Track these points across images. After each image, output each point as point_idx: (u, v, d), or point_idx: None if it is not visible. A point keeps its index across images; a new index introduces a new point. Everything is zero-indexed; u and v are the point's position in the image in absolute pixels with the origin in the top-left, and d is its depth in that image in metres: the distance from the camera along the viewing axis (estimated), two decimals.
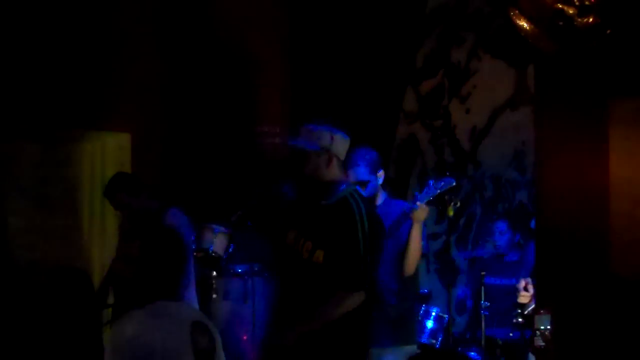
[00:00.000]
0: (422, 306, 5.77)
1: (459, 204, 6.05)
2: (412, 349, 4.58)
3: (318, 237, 3.84)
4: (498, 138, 7.01)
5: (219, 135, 6.74)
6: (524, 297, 5.36)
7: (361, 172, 4.62)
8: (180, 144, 6.54)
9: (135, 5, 6.53)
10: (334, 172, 3.93)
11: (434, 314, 5.70)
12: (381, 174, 4.76)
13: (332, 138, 3.92)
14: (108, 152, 6.45)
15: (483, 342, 5.58)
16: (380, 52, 7.09)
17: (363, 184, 4.60)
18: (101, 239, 6.35)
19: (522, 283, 5.36)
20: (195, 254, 5.79)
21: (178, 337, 3.11)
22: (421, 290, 6.55)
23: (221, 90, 6.85)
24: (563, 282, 4.07)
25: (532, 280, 5.36)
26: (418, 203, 4.63)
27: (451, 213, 5.83)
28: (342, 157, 3.98)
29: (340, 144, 3.94)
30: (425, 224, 4.81)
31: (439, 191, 4.77)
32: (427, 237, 5.20)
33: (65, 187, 6.33)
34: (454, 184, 4.84)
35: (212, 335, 3.26)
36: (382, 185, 4.77)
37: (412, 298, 4.82)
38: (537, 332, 3.22)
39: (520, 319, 5.38)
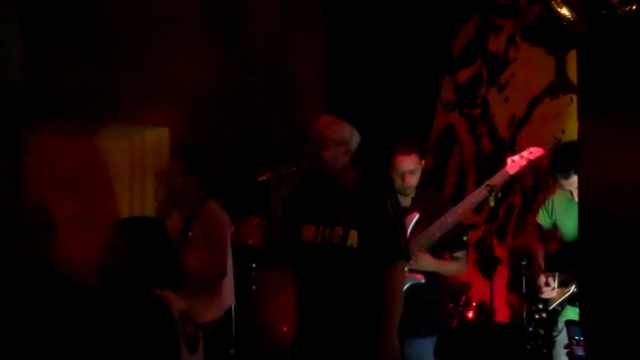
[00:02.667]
0: (462, 296, 5.83)
1: (499, 194, 6.02)
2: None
3: (348, 220, 3.91)
4: (537, 127, 6.94)
5: (255, 129, 6.77)
6: (547, 292, 5.26)
7: (414, 160, 4.76)
8: (218, 138, 6.57)
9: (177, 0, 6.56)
10: (347, 164, 4.05)
11: (474, 304, 5.74)
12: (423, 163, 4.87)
13: (351, 132, 4.05)
14: (147, 147, 6.53)
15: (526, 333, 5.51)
16: (417, 41, 7.09)
17: (413, 172, 4.75)
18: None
19: (543, 278, 5.26)
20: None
21: (169, 326, 3.26)
22: (461, 281, 6.55)
23: (258, 84, 6.87)
24: (605, 278, 3.99)
25: (554, 275, 5.29)
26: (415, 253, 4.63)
27: (492, 203, 5.79)
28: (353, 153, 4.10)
29: (356, 140, 4.06)
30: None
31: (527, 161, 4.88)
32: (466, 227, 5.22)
33: (106, 181, 6.39)
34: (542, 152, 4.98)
35: (196, 323, 3.41)
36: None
37: (443, 289, 4.88)
38: (575, 341, 3.16)
39: (544, 315, 5.29)
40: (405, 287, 4.53)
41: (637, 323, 3.81)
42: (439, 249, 4.82)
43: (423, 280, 4.68)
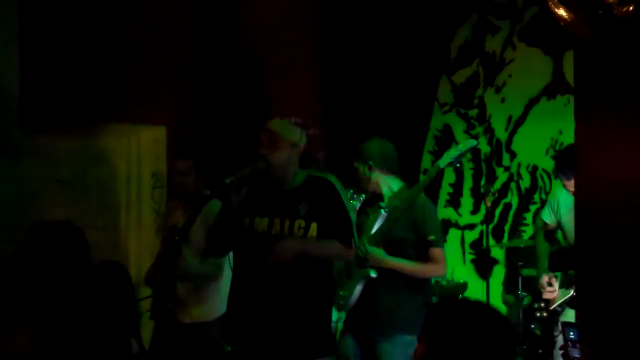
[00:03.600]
0: (458, 297, 5.79)
1: (496, 194, 6.52)
2: (411, 339, 4.44)
3: (308, 213, 4.08)
4: (534, 127, 6.96)
5: (253, 129, 6.64)
6: (549, 293, 5.24)
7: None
8: (216, 137, 6.50)
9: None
10: (297, 164, 4.21)
11: None
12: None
13: (301, 133, 4.19)
14: (144, 146, 6.42)
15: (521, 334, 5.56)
16: (414, 41, 7.08)
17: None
18: (137, 232, 6.33)
19: (545, 278, 5.25)
20: None
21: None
22: (455, 282, 6.68)
23: (255, 84, 6.85)
24: (603, 280, 3.96)
25: (556, 275, 5.29)
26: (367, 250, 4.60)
27: (489, 204, 6.17)
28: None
29: (304, 142, 4.21)
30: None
31: (459, 152, 4.69)
32: (441, 231, 5.05)
33: (102, 180, 6.31)
34: (475, 144, 4.83)
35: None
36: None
37: (404, 289, 4.68)
38: (571, 343, 3.18)
39: (545, 314, 5.28)
40: (360, 284, 4.62)
41: (633, 325, 3.78)
42: (400, 247, 4.66)
43: (374, 275, 4.59)
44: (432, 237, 4.61)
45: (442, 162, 4.67)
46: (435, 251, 4.63)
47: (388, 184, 4.75)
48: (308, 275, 4.09)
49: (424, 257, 4.63)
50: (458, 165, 4.79)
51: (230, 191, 4.09)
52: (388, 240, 4.62)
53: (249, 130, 6.11)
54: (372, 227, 4.64)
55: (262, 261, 4.03)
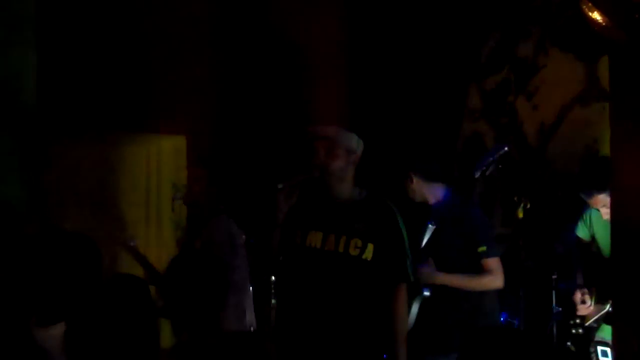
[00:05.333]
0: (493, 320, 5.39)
1: (528, 205, 5.98)
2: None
3: (365, 232, 3.94)
4: (568, 135, 6.81)
5: (275, 138, 6.67)
6: (583, 310, 5.21)
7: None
8: (237, 146, 6.53)
9: (192, 7, 6.50)
10: (353, 174, 4.06)
11: (502, 319, 5.52)
12: None
13: (358, 141, 4.07)
14: (164, 156, 6.50)
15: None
16: (443, 47, 6.98)
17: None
18: (158, 243, 6.34)
19: (578, 295, 5.20)
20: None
21: None
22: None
23: (278, 93, 6.81)
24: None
25: (591, 291, 5.28)
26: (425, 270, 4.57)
27: (521, 215, 5.81)
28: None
29: (361, 149, 4.07)
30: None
31: (491, 159, 4.72)
32: (493, 240, 4.97)
33: (122, 191, 6.39)
34: (506, 149, 4.79)
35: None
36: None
37: (447, 305, 4.69)
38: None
39: (580, 330, 5.24)
40: (418, 303, 4.57)
41: None
42: (453, 260, 4.66)
43: (427, 294, 4.56)
44: (482, 249, 4.61)
45: (475, 171, 4.81)
46: (489, 262, 4.61)
47: (433, 193, 4.73)
48: (367, 298, 3.98)
49: (477, 268, 4.62)
50: (488, 173, 4.79)
51: (279, 197, 3.99)
52: (439, 254, 4.61)
53: (276, 139, 6.59)
54: (420, 241, 4.66)
55: (315, 279, 3.94)
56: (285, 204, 3.99)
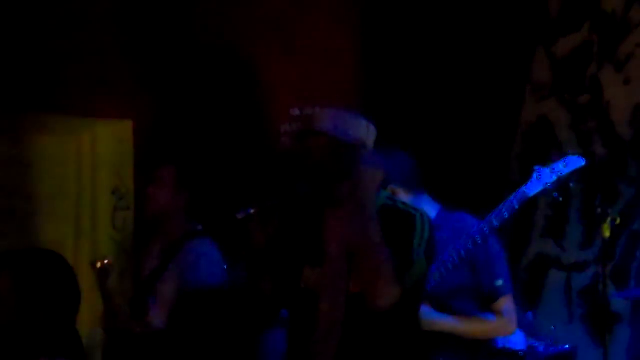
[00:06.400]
0: None
1: (618, 220, 5.47)
2: None
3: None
4: None
5: (243, 127, 6.04)
6: None
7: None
8: (194, 135, 5.86)
9: None
10: None
11: None
12: None
13: (368, 128, 3.57)
14: (101, 146, 5.84)
15: None
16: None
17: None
18: (91, 254, 5.65)
19: None
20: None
21: None
22: (558, 348, 5.58)
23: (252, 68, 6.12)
24: None
25: None
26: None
27: (607, 233, 5.34)
28: None
29: (373, 137, 3.63)
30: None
31: (557, 176, 4.25)
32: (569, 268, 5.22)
33: (41, 197, 5.73)
34: (583, 164, 4.36)
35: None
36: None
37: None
38: None
39: None
40: None
41: None
42: (455, 300, 4.33)
43: None
44: (499, 283, 4.33)
45: (531, 189, 4.23)
46: (504, 301, 4.35)
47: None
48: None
49: (486, 309, 4.35)
50: (556, 195, 4.32)
51: (253, 230, 3.56)
52: (438, 293, 4.29)
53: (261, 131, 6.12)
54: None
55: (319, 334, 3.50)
56: (260, 239, 3.58)
